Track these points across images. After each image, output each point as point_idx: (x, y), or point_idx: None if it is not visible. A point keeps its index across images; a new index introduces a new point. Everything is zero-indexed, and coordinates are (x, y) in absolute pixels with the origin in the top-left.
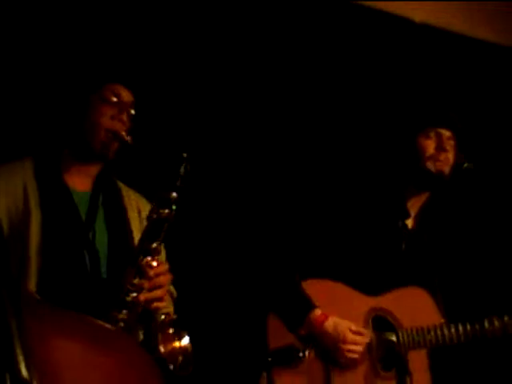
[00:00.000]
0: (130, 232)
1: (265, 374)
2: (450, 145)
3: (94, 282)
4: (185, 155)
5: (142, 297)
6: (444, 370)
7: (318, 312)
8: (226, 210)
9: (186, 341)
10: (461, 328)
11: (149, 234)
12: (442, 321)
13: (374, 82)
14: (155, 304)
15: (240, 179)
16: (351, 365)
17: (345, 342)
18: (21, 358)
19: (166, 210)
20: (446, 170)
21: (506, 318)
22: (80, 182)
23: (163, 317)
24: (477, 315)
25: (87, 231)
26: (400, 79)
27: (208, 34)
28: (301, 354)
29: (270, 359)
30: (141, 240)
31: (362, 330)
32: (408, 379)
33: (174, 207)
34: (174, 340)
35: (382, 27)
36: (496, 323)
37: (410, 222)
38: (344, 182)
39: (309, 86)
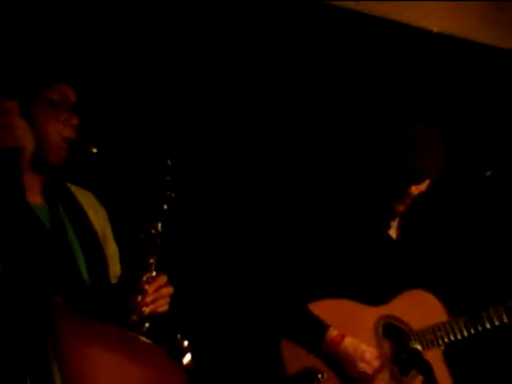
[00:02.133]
0: (97, 235)
1: None
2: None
3: (88, 295)
4: (169, 162)
5: (148, 309)
6: (461, 366)
7: (334, 332)
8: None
9: (188, 357)
10: (469, 319)
11: (145, 250)
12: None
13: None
14: (159, 310)
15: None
16: (370, 379)
17: (364, 359)
18: (55, 369)
19: (160, 224)
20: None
21: (509, 304)
22: (35, 195)
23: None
24: (476, 310)
25: (62, 246)
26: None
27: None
28: (319, 376)
29: None
30: (138, 257)
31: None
32: None
33: (164, 219)
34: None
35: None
36: (501, 309)
37: (393, 233)
38: (330, 208)
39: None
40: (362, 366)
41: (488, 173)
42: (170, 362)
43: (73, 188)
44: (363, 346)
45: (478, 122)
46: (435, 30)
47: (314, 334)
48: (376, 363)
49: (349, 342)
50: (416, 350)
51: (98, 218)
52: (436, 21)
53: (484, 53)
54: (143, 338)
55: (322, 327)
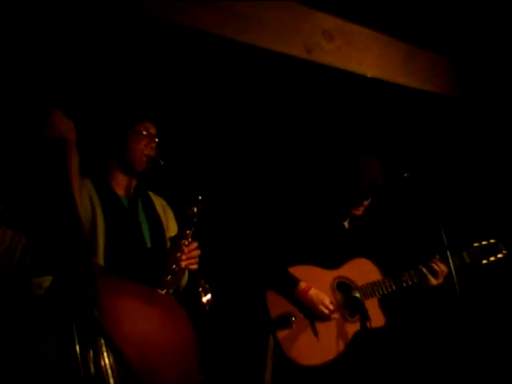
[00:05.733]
0: (161, 222)
1: (271, 336)
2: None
3: (148, 258)
4: (204, 183)
5: (183, 263)
6: (392, 309)
7: (303, 285)
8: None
9: (209, 296)
10: (394, 279)
11: (184, 224)
12: (383, 277)
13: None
14: (191, 267)
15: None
16: (328, 317)
17: (323, 304)
18: (94, 304)
19: (195, 208)
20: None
21: (419, 267)
22: (121, 189)
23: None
24: (398, 272)
25: (135, 224)
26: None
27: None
28: (293, 319)
29: (273, 325)
30: (179, 229)
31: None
32: (368, 322)
33: (199, 206)
34: (204, 295)
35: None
36: (412, 272)
37: (346, 224)
38: (307, 209)
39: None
40: (322, 308)
41: (405, 175)
42: (178, 306)
43: (151, 194)
44: (323, 294)
45: (400, 142)
46: (369, 75)
47: (289, 285)
48: (331, 306)
49: (313, 291)
50: (356, 297)
51: (164, 213)
52: (369, 68)
53: (404, 92)
54: (159, 291)
55: (295, 281)
